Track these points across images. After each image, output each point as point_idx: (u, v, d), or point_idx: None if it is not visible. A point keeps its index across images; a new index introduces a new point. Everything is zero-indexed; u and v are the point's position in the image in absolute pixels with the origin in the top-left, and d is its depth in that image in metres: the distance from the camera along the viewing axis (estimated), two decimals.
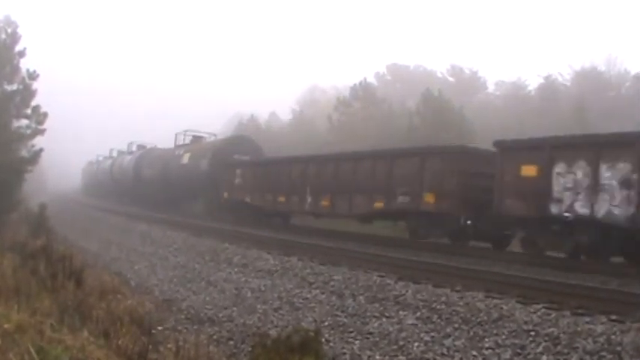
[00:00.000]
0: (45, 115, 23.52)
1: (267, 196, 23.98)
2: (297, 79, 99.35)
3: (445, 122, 31.19)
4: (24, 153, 23.27)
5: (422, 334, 7.79)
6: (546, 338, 7.13)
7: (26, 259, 11.59)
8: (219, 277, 12.72)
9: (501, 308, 8.42)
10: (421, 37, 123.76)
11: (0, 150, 20.65)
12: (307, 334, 6.11)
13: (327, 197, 20.26)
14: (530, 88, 49.60)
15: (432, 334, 7.80)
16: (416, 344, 7.45)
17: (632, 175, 12.14)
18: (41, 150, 23.47)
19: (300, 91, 71.38)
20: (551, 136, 15.11)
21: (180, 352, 6.88)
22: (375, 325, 8.39)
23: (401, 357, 7.15)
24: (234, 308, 9.93)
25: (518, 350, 6.93)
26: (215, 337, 8.38)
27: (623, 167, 12.34)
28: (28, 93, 23.56)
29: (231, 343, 8.14)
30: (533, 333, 7.36)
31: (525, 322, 7.73)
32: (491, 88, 56.46)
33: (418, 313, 8.73)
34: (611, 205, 12.48)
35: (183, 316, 9.64)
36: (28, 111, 23.50)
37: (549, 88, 45.26)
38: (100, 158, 55.95)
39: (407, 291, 9.91)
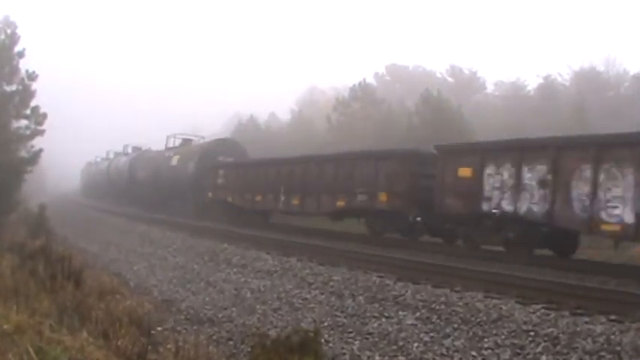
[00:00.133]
0: (44, 115, 23.50)
1: (246, 195, 25.35)
2: (297, 79, 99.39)
3: (444, 122, 31.18)
4: (23, 153, 23.25)
5: (421, 335, 7.79)
6: (546, 338, 7.14)
7: (25, 260, 11.58)
8: (218, 277, 12.72)
9: (500, 308, 8.43)
10: (420, 37, 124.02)
11: None
12: (307, 334, 6.11)
13: (298, 197, 21.70)
14: (529, 88, 49.56)
15: (432, 334, 7.80)
16: (415, 344, 7.45)
17: (547, 176, 13.60)
18: (40, 150, 23.46)
19: (299, 92, 71.42)
20: (482, 141, 17.25)
21: (179, 352, 6.88)
22: (375, 325, 8.39)
23: (400, 357, 7.15)
24: (234, 309, 9.93)
25: (518, 350, 6.93)
26: (214, 337, 8.38)
27: (541, 169, 13.80)
28: (27, 93, 23.53)
29: (231, 343, 8.14)
30: (532, 333, 7.36)
31: (525, 323, 7.73)
32: (490, 88, 56.41)
33: (417, 314, 8.73)
34: (531, 203, 13.95)
35: (182, 317, 9.63)
36: (28, 111, 23.47)
37: (548, 88, 45.23)
38: (99, 159, 56.51)
39: (406, 291, 9.91)
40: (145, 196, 36.76)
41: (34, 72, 23.59)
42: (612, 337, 6.88)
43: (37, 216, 20.96)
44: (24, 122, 23.60)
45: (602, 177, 12.52)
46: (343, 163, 20.05)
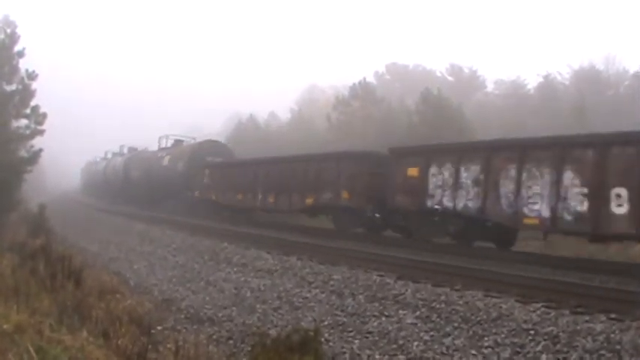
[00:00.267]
0: (44, 115, 23.48)
1: (228, 194, 26.91)
2: (296, 78, 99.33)
3: (444, 121, 31.16)
4: (23, 153, 23.23)
5: (421, 334, 7.79)
6: (546, 337, 7.14)
7: (25, 259, 11.58)
8: (218, 276, 12.71)
9: (500, 307, 8.43)
10: (420, 36, 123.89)
11: None
12: (307, 333, 6.11)
13: (273, 195, 23.22)
14: (529, 87, 49.54)
15: (432, 333, 7.80)
16: (415, 343, 7.45)
17: (480, 176, 15.09)
18: (40, 150, 23.44)
19: (299, 91, 71.31)
20: (428, 144, 19.16)
21: (179, 351, 6.88)
22: (375, 324, 8.39)
23: (400, 356, 7.15)
24: (234, 308, 9.93)
25: (518, 349, 6.93)
26: (214, 336, 8.38)
27: (475, 169, 15.31)
28: (27, 93, 23.51)
29: (231, 342, 8.14)
30: (532, 332, 7.36)
31: (525, 321, 7.74)
32: (490, 87, 56.35)
33: (418, 312, 8.73)
34: (467, 200, 15.45)
35: (182, 316, 9.64)
36: (27, 111, 23.46)
37: (548, 87, 45.21)
38: (98, 159, 57.59)
39: (406, 290, 9.92)
40: (139, 195, 37.97)
41: (33, 71, 23.58)
42: (612, 335, 6.88)
43: (37, 215, 20.95)
44: (24, 122, 23.61)
45: (524, 176, 14.01)
46: (311, 164, 21.47)
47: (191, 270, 13.78)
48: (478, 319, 8.11)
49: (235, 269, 13.43)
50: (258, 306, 9.93)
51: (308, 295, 10.39)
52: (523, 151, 14.28)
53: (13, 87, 23.54)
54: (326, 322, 8.62)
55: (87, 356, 5.70)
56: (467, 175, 15.47)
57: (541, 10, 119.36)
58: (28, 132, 23.47)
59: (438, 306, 8.87)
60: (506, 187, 14.40)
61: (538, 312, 8.07)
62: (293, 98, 66.25)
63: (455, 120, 31.98)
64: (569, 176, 13.16)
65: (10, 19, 24.16)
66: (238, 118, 56.73)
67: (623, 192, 12.04)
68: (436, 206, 16.23)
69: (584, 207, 12.78)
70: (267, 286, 11.30)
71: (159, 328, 8.67)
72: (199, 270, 13.69)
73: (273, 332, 7.27)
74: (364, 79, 43.77)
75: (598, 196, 12.49)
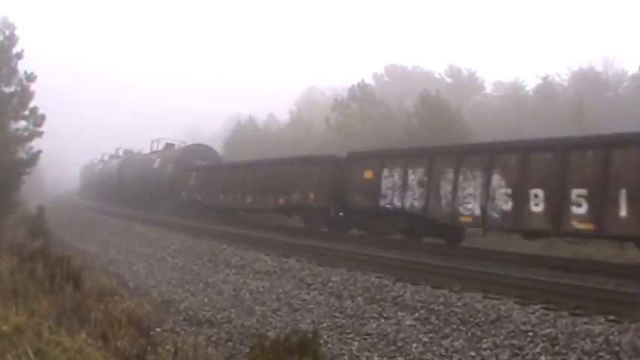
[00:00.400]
0: (43, 117, 23.50)
1: (212, 195, 28.38)
2: (295, 79, 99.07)
3: (443, 123, 31.16)
4: (22, 155, 23.23)
5: (420, 335, 7.79)
6: (544, 339, 7.14)
7: (24, 261, 11.59)
8: (217, 278, 12.71)
9: (499, 309, 8.43)
10: (419, 37, 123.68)
11: None
12: (305, 335, 6.13)
13: (251, 195, 24.79)
14: (527, 88, 49.59)
15: (431, 334, 7.81)
16: (414, 345, 7.46)
17: (424, 178, 16.51)
18: (39, 152, 23.45)
19: (298, 92, 71.27)
20: (381, 149, 21.42)
21: (178, 353, 6.88)
22: (374, 326, 8.40)
23: (399, 358, 7.16)
24: (233, 310, 9.93)
25: (517, 351, 6.93)
26: (213, 338, 8.38)
27: (420, 172, 16.69)
28: (25, 95, 23.53)
29: (230, 344, 8.15)
30: (531, 333, 7.36)
31: (523, 323, 7.73)
32: (489, 88, 56.40)
33: (416, 314, 8.73)
34: (413, 199, 16.82)
35: (181, 318, 9.64)
36: (26, 113, 23.47)
37: (547, 88, 45.25)
38: (95, 161, 58.64)
39: (405, 292, 9.91)
40: (132, 196, 39.42)
41: (32, 73, 23.62)
42: (611, 337, 6.89)
43: (36, 217, 20.95)
44: (22, 123, 23.62)
45: (460, 178, 15.43)
46: (283, 168, 22.96)
47: (190, 272, 13.79)
48: (477, 320, 8.11)
49: (234, 271, 13.43)
50: (256, 308, 9.94)
51: (307, 296, 10.39)
52: (459, 157, 15.77)
53: (12, 89, 23.57)
54: (325, 324, 8.62)
55: (86, 358, 5.70)
56: (413, 178, 16.91)
57: (540, 12, 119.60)
58: (26, 133, 23.49)
59: (436, 308, 8.87)
60: (446, 189, 15.85)
61: (537, 314, 8.07)
62: (292, 99, 66.26)
63: (453, 122, 31.98)
64: (496, 179, 14.58)
65: (9, 21, 24.20)
66: (237, 119, 56.73)
67: (540, 193, 13.49)
68: (387, 205, 17.67)
69: (508, 206, 14.21)
70: (266, 288, 11.30)
71: (158, 329, 8.67)
72: (198, 272, 13.69)
73: (271, 334, 7.29)
74: (363, 80, 43.76)
75: (520, 197, 13.90)
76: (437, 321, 8.35)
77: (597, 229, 12.44)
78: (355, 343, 7.76)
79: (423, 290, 9.94)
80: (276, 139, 45.85)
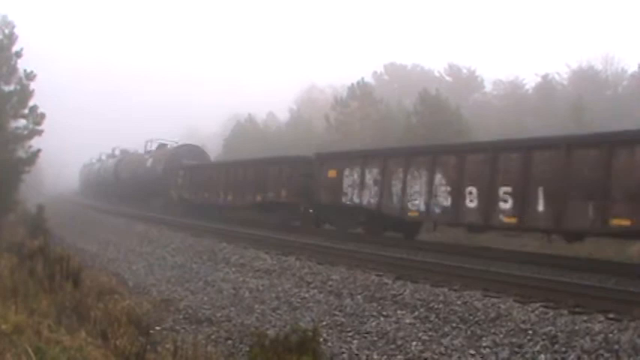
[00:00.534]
0: (42, 115, 23.47)
1: (197, 193, 30.31)
2: (295, 78, 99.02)
3: (442, 121, 31.15)
4: (21, 153, 23.21)
5: (420, 334, 7.80)
6: (544, 337, 7.14)
7: (24, 260, 11.57)
8: (217, 276, 12.71)
9: (499, 307, 8.43)
10: (419, 36, 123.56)
11: None
12: (305, 333, 6.12)
13: (231, 193, 26.59)
14: (527, 87, 49.58)
15: (430, 333, 7.81)
16: (414, 343, 7.46)
17: (378, 177, 17.89)
18: (39, 151, 23.43)
19: (297, 91, 71.25)
20: (342, 150, 23.46)
21: (178, 352, 6.87)
22: (373, 324, 8.40)
23: (399, 356, 7.16)
24: (232, 308, 9.93)
25: (516, 349, 6.93)
26: (213, 337, 8.38)
27: (375, 171, 18.08)
28: (25, 93, 23.51)
29: (229, 343, 8.14)
30: (530, 332, 7.37)
31: (523, 321, 7.74)
32: (488, 87, 56.33)
33: (416, 313, 8.74)
34: (370, 197, 18.21)
35: (181, 316, 9.63)
36: (26, 111, 23.45)
37: (547, 87, 45.26)
38: (94, 160, 59.55)
39: (405, 290, 9.91)
40: (126, 195, 41.30)
41: (32, 72, 23.58)
42: (610, 335, 6.89)
43: (36, 216, 20.93)
44: (22, 122, 23.59)
45: (409, 177, 16.82)
46: (260, 167, 24.65)
47: (190, 270, 13.78)
48: (476, 319, 8.11)
49: (234, 269, 13.43)
50: (256, 306, 9.94)
51: (306, 295, 10.40)
52: (408, 158, 17.19)
53: (12, 87, 23.54)
54: (324, 323, 8.62)
55: (85, 357, 5.70)
56: (370, 177, 18.35)
57: (539, 10, 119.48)
58: (26, 132, 23.47)
59: (436, 306, 8.88)
60: (397, 187, 17.24)
61: (536, 312, 8.07)
62: (292, 98, 66.23)
63: (453, 120, 31.96)
64: (438, 177, 15.98)
65: (9, 20, 24.16)
66: (237, 118, 56.72)
67: (474, 190, 14.88)
68: (348, 202, 19.17)
69: (448, 202, 15.62)
70: (266, 287, 11.30)
71: (157, 328, 8.67)
72: (198, 270, 13.68)
73: (271, 332, 7.27)
74: (362, 79, 43.72)
75: (457, 194, 15.29)
76: (436, 319, 8.35)
77: (520, 223, 13.87)
78: (355, 341, 7.77)
79: (422, 288, 9.94)
80: (275, 138, 45.85)
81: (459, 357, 6.95)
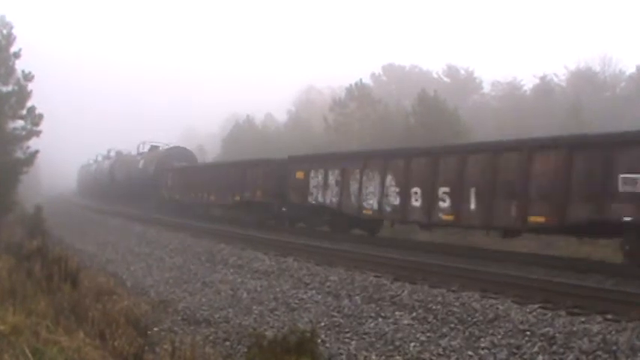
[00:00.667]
0: (40, 116, 23.49)
1: (184, 193, 32.26)
2: (293, 79, 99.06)
3: (441, 122, 31.17)
4: (19, 154, 23.20)
5: (418, 334, 7.79)
6: (542, 338, 7.14)
7: (22, 261, 11.56)
8: (215, 278, 12.70)
9: (497, 308, 8.43)
10: (417, 37, 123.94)
11: None
12: (303, 334, 6.12)
13: (214, 193, 28.30)
14: (525, 88, 49.63)
15: (428, 334, 7.80)
16: (412, 344, 7.46)
17: (339, 178, 19.32)
18: (37, 152, 23.43)
19: (296, 92, 71.23)
20: (309, 154, 24.83)
21: (176, 353, 6.86)
22: (372, 325, 8.40)
23: (397, 357, 7.15)
24: (230, 309, 9.92)
25: (514, 350, 6.93)
26: (211, 338, 8.37)
27: (336, 173, 19.49)
28: (23, 94, 23.51)
29: (228, 344, 8.13)
30: (529, 333, 7.37)
31: (521, 322, 7.74)
32: (486, 88, 56.40)
33: (414, 314, 8.73)
34: (332, 197, 19.61)
35: (179, 317, 9.62)
36: (24, 112, 23.44)
37: (545, 88, 45.31)
38: (91, 162, 60.19)
39: (403, 291, 9.91)
40: (121, 195, 42.58)
41: (30, 72, 23.60)
42: (609, 336, 6.89)
43: (34, 217, 20.91)
44: (20, 123, 23.58)
45: (364, 179, 18.18)
46: (238, 169, 26.12)
47: (188, 271, 13.77)
48: (475, 320, 8.11)
49: (232, 270, 13.42)
50: (254, 307, 9.92)
51: (305, 296, 10.39)
52: (364, 161, 18.58)
53: (10, 88, 23.53)
54: (323, 324, 8.62)
55: (83, 357, 5.70)
56: (332, 178, 19.68)
57: (538, 11, 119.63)
58: (24, 133, 23.46)
59: (434, 307, 8.87)
60: (354, 187, 18.60)
61: (535, 313, 8.07)
62: (290, 99, 66.24)
63: (451, 121, 31.98)
64: (389, 179, 17.25)
65: (7, 20, 24.15)
66: (235, 119, 56.70)
67: (419, 190, 16.12)
68: (313, 202, 20.55)
69: (397, 201, 16.89)
70: (264, 288, 11.29)
71: (155, 329, 8.67)
72: (196, 271, 13.67)
73: (269, 333, 7.26)
74: (361, 80, 43.78)
75: (405, 194, 16.54)
76: (435, 320, 8.35)
77: (456, 221, 15.11)
78: (353, 342, 7.76)
79: (420, 289, 9.94)
80: (274, 139, 45.84)
81: (457, 358, 6.95)
